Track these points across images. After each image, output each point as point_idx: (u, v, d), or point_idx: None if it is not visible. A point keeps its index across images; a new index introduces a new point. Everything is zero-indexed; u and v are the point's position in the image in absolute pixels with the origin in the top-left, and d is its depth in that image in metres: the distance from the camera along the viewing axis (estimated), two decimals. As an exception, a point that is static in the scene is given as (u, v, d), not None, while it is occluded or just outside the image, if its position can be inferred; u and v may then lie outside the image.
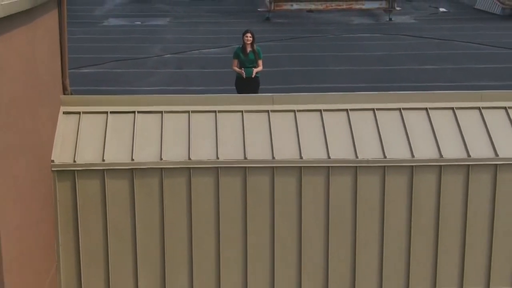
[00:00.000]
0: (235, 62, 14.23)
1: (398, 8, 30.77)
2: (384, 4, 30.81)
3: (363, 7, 31.19)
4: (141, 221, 10.65)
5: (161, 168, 10.59)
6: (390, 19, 30.18)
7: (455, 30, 27.03)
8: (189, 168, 10.61)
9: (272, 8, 30.59)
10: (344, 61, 20.42)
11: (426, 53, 21.46)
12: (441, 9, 34.01)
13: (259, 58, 14.12)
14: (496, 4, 31.97)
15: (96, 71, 18.73)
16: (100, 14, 31.64)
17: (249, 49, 13.94)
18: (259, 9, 31.67)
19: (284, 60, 20.38)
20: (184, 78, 17.98)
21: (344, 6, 31.08)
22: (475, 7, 34.11)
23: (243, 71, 14.11)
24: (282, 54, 21.37)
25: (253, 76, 14.07)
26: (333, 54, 21.61)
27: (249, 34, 13.87)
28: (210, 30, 27.23)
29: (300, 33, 26.17)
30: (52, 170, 10.46)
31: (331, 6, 31.28)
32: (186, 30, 26.96)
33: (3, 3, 7.66)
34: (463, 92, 11.78)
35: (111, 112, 11.11)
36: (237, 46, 14.71)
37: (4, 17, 7.77)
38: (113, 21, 29.44)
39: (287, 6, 31.02)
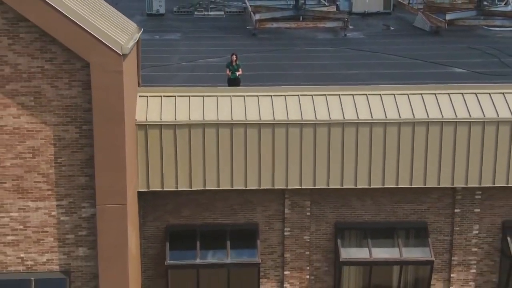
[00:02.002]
0: (227, 70, 24.93)
1: (351, 27, 41.14)
2: (341, 24, 41.16)
3: (326, 25, 41.57)
4: (180, 151, 21.14)
5: (189, 124, 21.10)
6: (345, 35, 40.33)
7: (389, 44, 37.07)
8: (203, 124, 21.13)
9: (257, 26, 40.76)
10: (301, 68, 30.69)
11: (356, 62, 31.75)
12: (391, 27, 43.98)
13: (239, 67, 24.90)
14: (426, 22, 42.08)
15: (139, 74, 29.03)
16: (128, 29, 41.86)
17: (234, 63, 24.69)
18: (247, 27, 41.94)
19: (260, 67, 30.59)
20: (197, 78, 28.29)
21: (311, 25, 41.51)
22: (414, 24, 44.11)
23: (230, 75, 24.86)
24: (260, 62, 31.58)
25: (236, 78, 24.81)
26: (295, 62, 31.88)
27: (234, 56, 24.81)
28: (211, 43, 37.30)
29: (276, 46, 36.36)
30: (136, 124, 20.96)
31: (302, 25, 41.75)
32: (194, 44, 37.11)
33: (128, 46, 18.18)
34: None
35: (163, 96, 21.65)
36: (228, 61, 25.44)
37: (128, 53, 18.30)
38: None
39: (268, 25, 41.32)
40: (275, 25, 41.56)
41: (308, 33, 41.05)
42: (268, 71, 29.95)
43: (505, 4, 46.08)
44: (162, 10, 46.71)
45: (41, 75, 18.46)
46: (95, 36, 17.92)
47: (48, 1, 17.72)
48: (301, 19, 43.00)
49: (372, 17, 46.86)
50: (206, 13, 47.52)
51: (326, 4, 48.08)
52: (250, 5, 45.62)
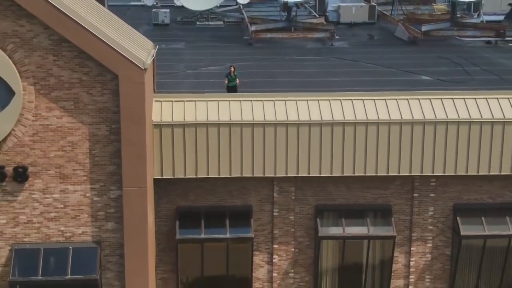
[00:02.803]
0: (226, 79, 29.81)
1: (337, 37, 45.75)
2: (328, 35, 45.79)
3: (314, 36, 46.19)
4: (188, 146, 25.90)
5: (196, 124, 25.89)
6: (332, 45, 44.76)
7: (370, 53, 41.27)
8: (207, 124, 25.92)
9: (253, 36, 45.30)
10: (289, 75, 35.34)
11: (338, 70, 36.35)
12: (375, 37, 48.13)
13: (237, 77, 29.73)
14: (405, 32, 46.42)
15: (150, 80, 33.71)
16: (137, 39, 46.40)
17: (232, 74, 29.57)
18: (245, 37, 46.53)
19: (254, 74, 35.26)
20: (200, 85, 33.01)
21: (301, 36, 46.18)
22: (395, 34, 48.29)
23: (228, 83, 29.79)
24: (254, 70, 36.25)
25: (234, 86, 29.69)
26: (284, 70, 36.53)
27: (232, 67, 29.64)
28: (212, 52, 41.62)
29: (270, 55, 40.90)
30: (152, 124, 25.73)
31: (293, 35, 46.39)
32: (197, 53, 41.39)
33: (148, 62, 23.01)
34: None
35: (174, 101, 26.45)
36: (227, 71, 30.26)
37: (148, 67, 23.12)
38: (147, 45, 44.25)
39: (263, 35, 45.83)
40: (269, 35, 45.89)
41: (299, 42, 45.19)
42: (261, 78, 34.62)
43: (477, 15, 50.71)
44: (167, 21, 50.32)
45: (79, 84, 23.30)
46: (123, 55, 22.75)
47: (86, 27, 22.55)
48: (292, 30, 47.47)
49: (358, 27, 50.69)
50: (207, 23, 50.94)
51: (317, 15, 52.62)
52: (247, 16, 50.22)
